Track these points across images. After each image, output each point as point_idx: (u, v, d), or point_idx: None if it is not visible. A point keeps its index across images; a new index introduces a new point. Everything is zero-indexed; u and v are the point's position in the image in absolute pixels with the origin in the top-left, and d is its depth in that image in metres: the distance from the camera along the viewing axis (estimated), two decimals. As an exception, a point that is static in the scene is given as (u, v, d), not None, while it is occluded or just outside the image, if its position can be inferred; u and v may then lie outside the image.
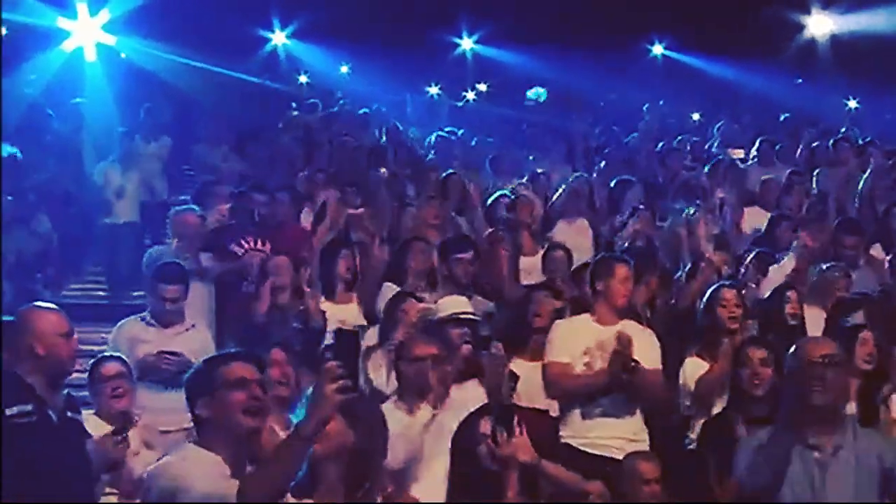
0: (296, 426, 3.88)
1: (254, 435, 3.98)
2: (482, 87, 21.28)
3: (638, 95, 17.78)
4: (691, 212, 8.47)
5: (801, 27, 19.93)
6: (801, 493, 4.52)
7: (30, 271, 9.30)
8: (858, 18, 18.22)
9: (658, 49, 21.47)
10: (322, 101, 16.29)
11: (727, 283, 7.13)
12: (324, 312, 7.32)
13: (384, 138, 13.56)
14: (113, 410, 5.95)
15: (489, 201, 9.67)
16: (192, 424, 4.04)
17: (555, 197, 10.04)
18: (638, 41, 20.88)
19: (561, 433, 6.37)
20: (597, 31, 18.11)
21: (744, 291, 7.14)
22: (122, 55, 15.25)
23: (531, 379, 6.50)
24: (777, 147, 12.47)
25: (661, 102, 17.35)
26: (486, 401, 5.62)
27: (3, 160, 9.76)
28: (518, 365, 6.54)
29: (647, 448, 6.20)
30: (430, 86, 20.50)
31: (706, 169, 11.57)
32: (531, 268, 8.52)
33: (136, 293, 9.55)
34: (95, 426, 5.55)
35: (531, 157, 12.91)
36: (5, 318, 4.93)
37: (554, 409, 6.55)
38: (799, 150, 12.48)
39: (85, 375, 6.14)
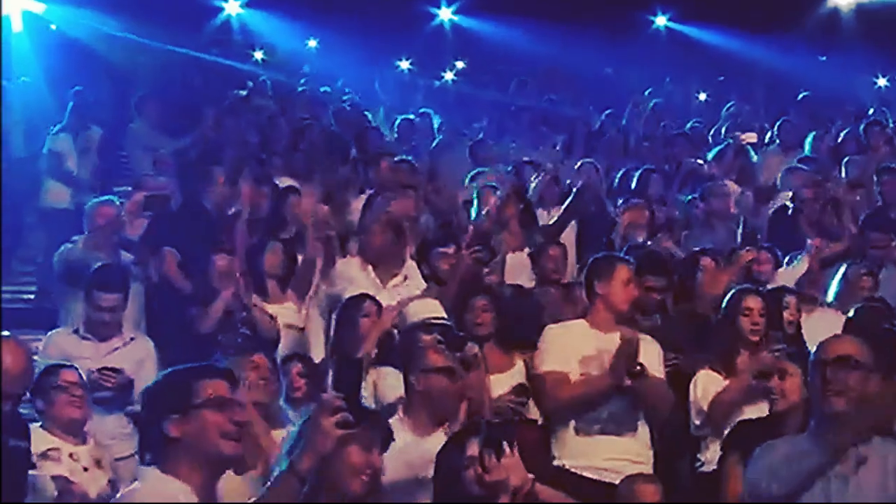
0: (290, 462, 3.91)
1: (229, 463, 3.91)
2: (461, 64, 21.20)
3: (638, 73, 17.81)
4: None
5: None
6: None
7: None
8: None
9: (661, 21, 21.46)
10: (281, 78, 16.31)
11: (752, 287, 7.17)
12: (273, 318, 7.43)
13: (333, 121, 13.65)
14: (69, 419, 6.00)
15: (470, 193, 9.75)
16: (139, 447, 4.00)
17: (531, 186, 10.16)
18: (639, 12, 20.86)
19: (553, 452, 6.40)
20: (592, 1, 18.09)
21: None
22: (53, 27, 15.16)
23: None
24: (801, 130, 12.59)
25: (666, 80, 17.46)
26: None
27: None
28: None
29: (651, 471, 6.22)
30: (402, 61, 20.41)
31: (709, 156, 11.72)
32: (519, 265, 8.60)
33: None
34: (42, 440, 5.60)
35: (513, 144, 13.01)
36: None
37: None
38: (822, 136, 12.59)
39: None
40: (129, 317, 7.60)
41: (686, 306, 7.59)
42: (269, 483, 4.00)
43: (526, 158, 11.43)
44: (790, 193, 9.99)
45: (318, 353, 7.46)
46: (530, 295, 7.90)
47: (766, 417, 6.09)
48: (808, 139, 12.23)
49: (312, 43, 20.55)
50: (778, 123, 12.76)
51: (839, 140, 12.17)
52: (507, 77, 17.13)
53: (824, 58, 19.10)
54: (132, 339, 7.20)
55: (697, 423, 6.58)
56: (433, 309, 6.73)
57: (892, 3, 18.08)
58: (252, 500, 4.01)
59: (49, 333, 7.24)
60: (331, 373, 6.62)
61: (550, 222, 9.51)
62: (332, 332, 7.03)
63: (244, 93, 15.48)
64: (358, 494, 4.42)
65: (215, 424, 3.78)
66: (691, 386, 6.67)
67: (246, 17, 20.05)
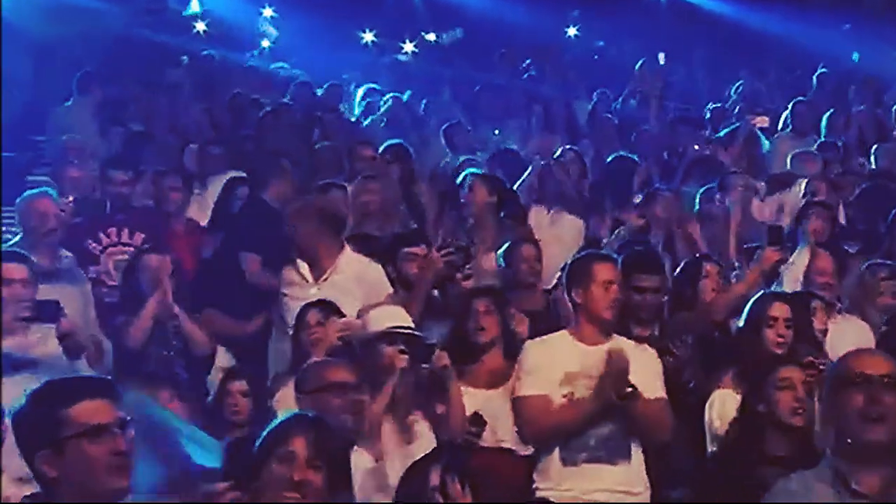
0: None
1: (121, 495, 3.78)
2: (431, 36, 21.10)
3: (634, 46, 17.72)
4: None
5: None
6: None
7: None
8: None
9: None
10: (228, 54, 16.33)
11: (778, 292, 7.21)
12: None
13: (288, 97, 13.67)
14: None
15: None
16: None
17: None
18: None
19: (536, 484, 6.41)
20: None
21: None
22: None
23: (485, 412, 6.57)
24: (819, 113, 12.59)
25: (664, 55, 17.46)
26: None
27: None
28: (468, 396, 6.57)
29: (647, 504, 6.24)
30: (366, 33, 20.30)
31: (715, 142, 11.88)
32: (493, 269, 8.60)
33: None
34: None
35: (496, 132, 13.08)
36: None
37: (524, 447, 6.62)
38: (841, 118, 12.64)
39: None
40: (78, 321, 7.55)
41: (688, 315, 7.58)
42: None
43: (513, 146, 11.53)
44: (804, 182, 10.06)
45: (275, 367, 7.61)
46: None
47: None
48: (824, 121, 12.27)
49: (268, 12, 20.40)
50: (791, 105, 12.78)
51: (859, 124, 12.28)
52: (485, 52, 17.00)
53: (848, 26, 19.05)
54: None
55: (715, 449, 6.56)
56: (398, 316, 6.66)
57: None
58: None
59: None
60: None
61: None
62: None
63: (180, 69, 15.46)
64: None
65: (95, 458, 3.66)
66: (707, 407, 6.68)
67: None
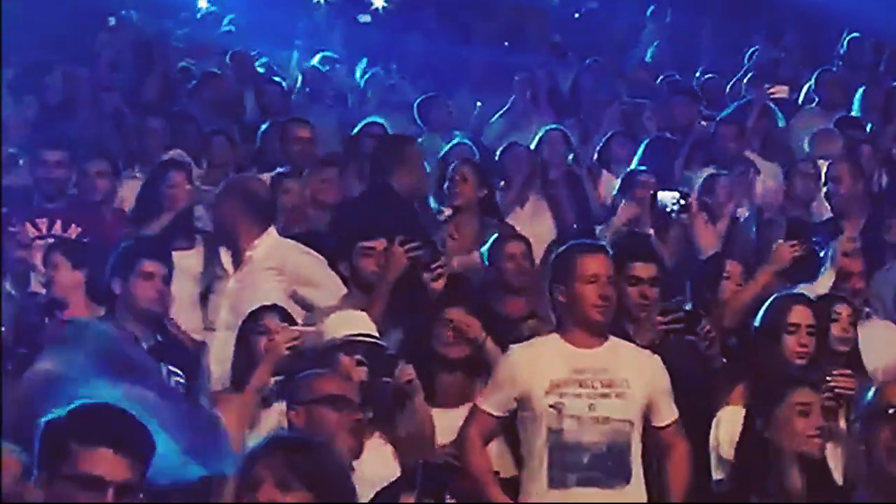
0: None
1: None
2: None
3: (627, 7, 17.79)
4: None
5: None
6: None
7: None
8: None
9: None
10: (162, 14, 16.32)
11: (800, 294, 7.18)
12: None
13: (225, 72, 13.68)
14: None
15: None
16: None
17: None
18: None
19: (521, 508, 6.44)
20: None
21: None
22: None
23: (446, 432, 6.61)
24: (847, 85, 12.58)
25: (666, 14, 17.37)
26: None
27: None
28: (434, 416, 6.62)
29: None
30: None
31: (719, 117, 11.73)
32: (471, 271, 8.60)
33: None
34: None
35: (479, 104, 13.10)
36: None
37: (506, 468, 6.64)
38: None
39: None
40: None
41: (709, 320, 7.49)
42: None
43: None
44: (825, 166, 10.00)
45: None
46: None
47: None
48: (857, 96, 12.19)
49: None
50: (816, 74, 12.74)
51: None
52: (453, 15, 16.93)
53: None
54: None
55: (718, 476, 6.57)
56: (359, 322, 6.71)
57: None
58: None
59: None
60: None
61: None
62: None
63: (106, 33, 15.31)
64: None
65: None
66: (713, 426, 6.67)
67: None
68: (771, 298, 7.04)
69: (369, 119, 10.80)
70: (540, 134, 10.96)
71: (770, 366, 6.73)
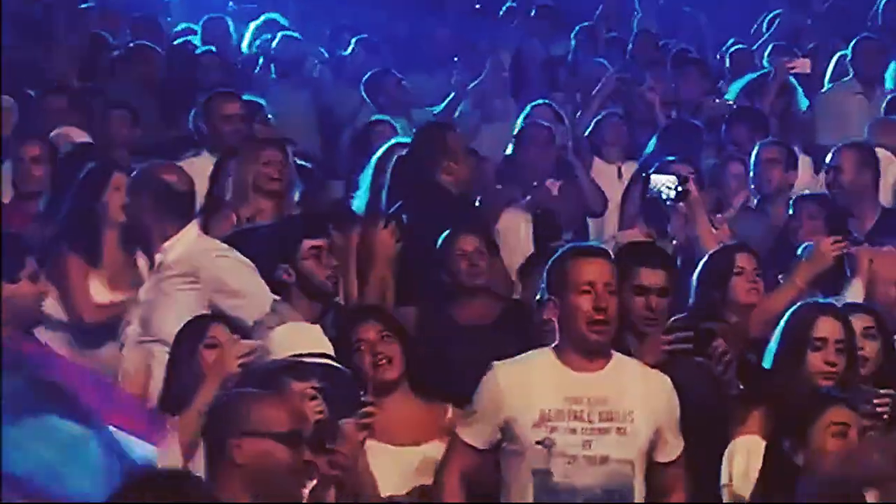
0: None
1: None
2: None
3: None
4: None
5: None
6: None
7: None
8: None
9: None
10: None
11: (826, 304, 6.78)
12: None
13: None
14: None
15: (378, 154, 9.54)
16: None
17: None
18: None
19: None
20: None
21: None
22: None
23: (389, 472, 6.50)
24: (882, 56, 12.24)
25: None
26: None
27: None
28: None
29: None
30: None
31: (730, 96, 11.62)
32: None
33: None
34: None
35: (453, 80, 12.99)
36: None
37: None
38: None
39: None
40: None
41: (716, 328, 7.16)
42: None
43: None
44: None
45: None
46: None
47: None
48: (891, 69, 11.90)
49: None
50: (854, 43, 12.28)
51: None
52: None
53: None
54: None
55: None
56: (309, 337, 6.45)
57: None
58: None
59: None
60: None
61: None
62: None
63: None
64: None
65: None
66: (725, 458, 6.40)
67: None
68: (792, 309, 6.71)
69: (395, 140, 10.15)
70: (525, 111, 10.83)
71: (791, 386, 6.44)
